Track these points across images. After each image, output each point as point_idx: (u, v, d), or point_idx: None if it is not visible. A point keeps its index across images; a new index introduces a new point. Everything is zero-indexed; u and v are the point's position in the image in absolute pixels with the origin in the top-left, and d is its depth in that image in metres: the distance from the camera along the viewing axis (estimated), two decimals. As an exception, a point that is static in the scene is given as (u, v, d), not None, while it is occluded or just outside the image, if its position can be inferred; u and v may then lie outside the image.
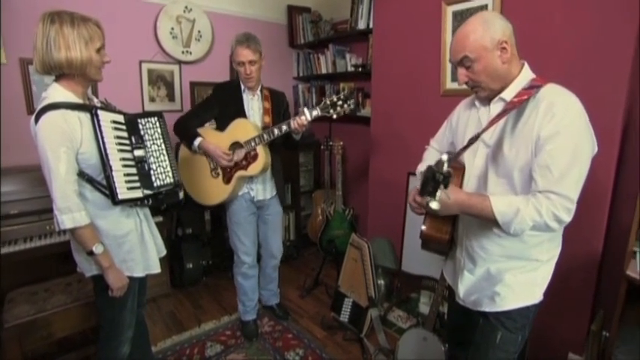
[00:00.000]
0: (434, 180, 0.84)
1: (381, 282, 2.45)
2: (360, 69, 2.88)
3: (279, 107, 2.14)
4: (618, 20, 1.51)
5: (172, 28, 2.72)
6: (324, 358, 2.06)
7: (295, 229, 3.44)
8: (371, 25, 2.63)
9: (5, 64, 2.17)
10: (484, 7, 1.94)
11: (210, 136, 2.00)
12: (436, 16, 2.11)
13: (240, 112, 2.02)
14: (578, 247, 1.68)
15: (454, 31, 2.08)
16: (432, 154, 1.40)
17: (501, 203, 0.99)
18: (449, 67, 2.12)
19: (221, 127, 2.04)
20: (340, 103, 1.85)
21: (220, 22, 2.94)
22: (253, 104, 2.07)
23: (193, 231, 2.89)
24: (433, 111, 2.20)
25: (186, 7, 2.75)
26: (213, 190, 2.05)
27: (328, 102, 1.86)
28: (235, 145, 1.97)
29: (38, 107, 1.18)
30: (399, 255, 2.50)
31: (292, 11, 3.36)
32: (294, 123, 1.86)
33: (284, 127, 1.88)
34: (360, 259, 2.23)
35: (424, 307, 2.35)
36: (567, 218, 0.97)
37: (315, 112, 1.86)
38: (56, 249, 2.02)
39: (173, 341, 2.19)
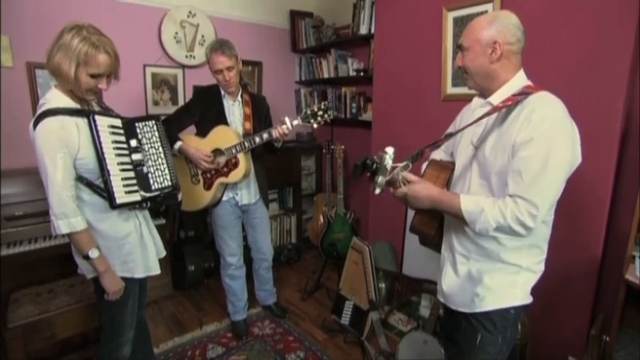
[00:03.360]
0: (363, 165, 0.96)
1: (382, 285, 2.46)
2: (361, 73, 2.91)
3: (259, 112, 2.15)
4: (616, 26, 1.53)
5: (176, 33, 2.76)
6: (325, 360, 2.07)
7: (297, 233, 3.46)
8: (372, 30, 2.66)
9: (12, 67, 2.21)
10: (484, 13, 1.96)
11: (191, 142, 2.02)
12: (437, 21, 2.14)
13: (221, 118, 2.03)
14: (578, 251, 1.69)
15: (455, 36, 2.11)
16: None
17: (469, 202, 1.03)
18: (450, 72, 2.14)
19: (201, 132, 2.05)
20: (321, 113, 1.91)
21: (224, 27, 2.98)
22: (234, 110, 2.08)
23: (195, 233, 2.91)
24: (434, 115, 2.22)
25: (190, 12, 2.79)
26: (193, 196, 2.06)
27: (309, 112, 1.91)
28: (216, 153, 1.99)
29: (37, 113, 1.20)
30: (400, 258, 2.50)
31: (295, 16, 3.39)
32: (275, 132, 1.89)
33: (265, 136, 1.91)
34: (361, 262, 2.24)
35: (425, 311, 2.36)
36: (531, 224, 0.97)
37: (296, 122, 1.90)
38: (60, 250, 2.03)
39: (175, 343, 2.20)
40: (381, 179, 0.99)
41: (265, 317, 2.47)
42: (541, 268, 1.16)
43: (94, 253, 1.26)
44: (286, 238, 3.41)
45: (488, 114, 1.05)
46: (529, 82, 1.09)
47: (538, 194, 0.96)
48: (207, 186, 2.03)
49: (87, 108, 1.30)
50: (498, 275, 1.12)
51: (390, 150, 0.94)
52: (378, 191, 1.00)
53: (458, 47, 1.13)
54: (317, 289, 2.80)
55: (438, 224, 1.22)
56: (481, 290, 1.13)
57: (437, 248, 1.35)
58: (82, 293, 1.92)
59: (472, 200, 1.04)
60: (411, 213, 2.39)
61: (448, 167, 1.22)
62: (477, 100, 1.23)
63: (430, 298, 2.33)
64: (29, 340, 1.74)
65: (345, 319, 2.27)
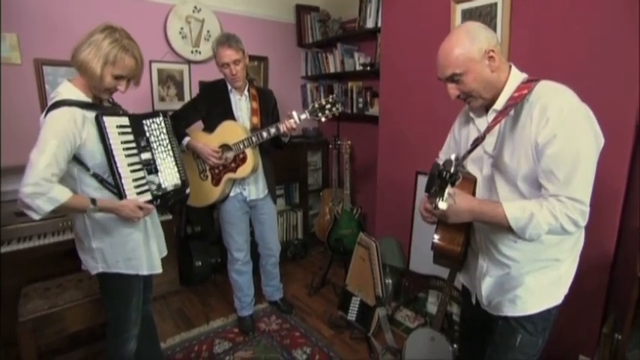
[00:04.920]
0: (440, 177, 0.83)
1: (389, 281, 2.45)
2: (368, 68, 2.87)
3: (267, 106, 2.14)
4: (630, 19, 1.48)
5: (182, 28, 2.75)
6: (332, 356, 2.06)
7: (303, 228, 3.46)
8: (379, 24, 2.62)
9: (20, 64, 2.22)
10: (493, 6, 1.92)
11: (198, 138, 2.01)
12: (445, 14, 2.10)
13: (228, 113, 2.02)
14: (590, 248, 1.63)
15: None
16: None
17: (515, 208, 0.97)
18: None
19: (209, 128, 2.04)
20: (329, 106, 1.89)
21: (229, 22, 2.96)
22: (241, 105, 2.07)
23: (202, 229, 2.92)
24: (441, 110, 2.18)
25: (195, 8, 2.78)
26: (202, 192, 2.05)
27: (317, 105, 1.89)
28: (224, 148, 1.98)
29: (50, 103, 1.21)
30: (407, 254, 2.49)
31: (301, 10, 3.36)
32: (282, 126, 1.88)
33: (272, 130, 1.90)
34: (368, 259, 2.23)
35: (432, 307, 2.35)
36: (582, 222, 0.95)
37: (304, 116, 1.89)
38: (68, 246, 2.05)
39: (182, 338, 2.22)
40: (449, 191, 0.86)
41: (272, 313, 2.47)
42: (581, 247, 1.13)
43: (93, 210, 1.21)
44: (292, 233, 3.41)
45: (497, 121, 1.01)
46: (524, 75, 1.06)
47: (579, 189, 0.93)
48: (216, 182, 2.03)
49: (95, 103, 1.30)
50: (540, 275, 1.09)
51: (453, 156, 0.85)
52: (445, 206, 0.86)
53: (446, 80, 1.06)
54: (323, 285, 2.80)
55: (464, 239, 1.15)
56: (523, 292, 1.10)
57: (456, 265, 1.29)
58: (90, 288, 1.94)
59: (517, 206, 0.97)
60: (419, 210, 2.37)
61: (470, 179, 1.15)
62: (467, 112, 1.20)
63: (437, 294, 2.32)
64: (39, 333, 1.76)
65: (352, 315, 2.26)
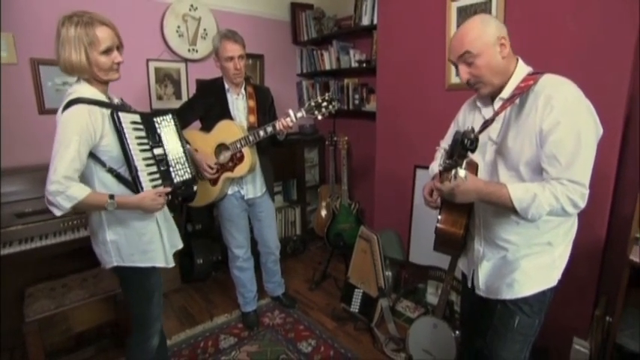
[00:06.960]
0: (462, 144, 0.86)
1: (389, 273, 2.50)
2: (364, 64, 2.92)
3: (264, 104, 2.15)
4: (622, 9, 1.55)
5: (178, 27, 2.75)
6: (336, 347, 2.11)
7: (301, 224, 3.49)
8: (375, 21, 2.66)
9: (16, 64, 2.20)
10: (488, 3, 1.98)
11: (195, 138, 2.02)
12: (440, 11, 2.15)
13: (225, 113, 2.03)
14: (582, 233, 1.70)
15: (459, 26, 2.12)
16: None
17: (518, 190, 1.03)
18: (454, 61, 2.16)
19: (206, 127, 2.05)
20: (325, 104, 1.89)
21: (225, 20, 2.96)
22: (238, 104, 2.08)
23: (203, 227, 2.93)
24: (438, 105, 2.24)
25: (191, 6, 2.77)
26: (200, 192, 2.03)
27: (313, 103, 1.90)
28: (221, 147, 2.00)
29: (66, 99, 1.21)
30: (406, 246, 2.55)
31: (296, 8, 3.38)
32: (279, 125, 1.89)
33: (269, 129, 1.91)
34: (369, 251, 2.28)
35: (431, 297, 2.41)
36: (582, 204, 1.01)
37: (300, 114, 1.89)
38: (70, 246, 2.05)
39: (187, 335, 2.23)
40: (465, 163, 0.90)
41: (275, 307, 2.51)
42: (574, 233, 1.20)
43: (112, 205, 1.23)
44: (291, 229, 3.45)
45: (504, 107, 1.07)
46: (529, 68, 1.12)
47: (579, 173, 0.99)
48: (213, 181, 2.05)
49: (109, 102, 1.32)
50: (535, 259, 1.16)
51: (470, 127, 0.89)
52: (464, 174, 0.92)
53: (459, 60, 1.10)
54: (324, 279, 2.84)
55: (467, 222, 1.20)
56: (519, 275, 1.16)
57: (456, 251, 1.33)
58: (95, 287, 1.94)
59: (520, 187, 1.03)
60: (417, 203, 2.43)
61: (472, 164, 1.19)
62: (474, 101, 1.26)
63: (436, 284, 2.38)
64: (45, 333, 1.76)
65: (355, 307, 2.31)
